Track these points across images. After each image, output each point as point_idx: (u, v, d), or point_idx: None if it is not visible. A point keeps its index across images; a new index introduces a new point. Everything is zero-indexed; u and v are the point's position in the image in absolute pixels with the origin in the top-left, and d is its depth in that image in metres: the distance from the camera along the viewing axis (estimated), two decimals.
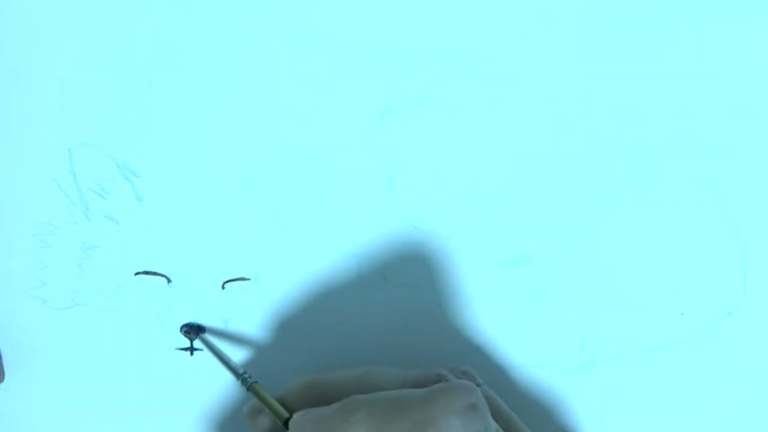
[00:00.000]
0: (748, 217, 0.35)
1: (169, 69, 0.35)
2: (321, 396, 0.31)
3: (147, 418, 0.36)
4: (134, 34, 0.35)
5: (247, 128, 0.35)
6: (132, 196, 0.35)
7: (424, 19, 0.34)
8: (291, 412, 0.31)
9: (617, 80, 0.34)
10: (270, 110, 0.35)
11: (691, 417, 0.35)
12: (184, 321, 0.36)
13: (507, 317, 0.35)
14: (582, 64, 0.34)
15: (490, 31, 0.34)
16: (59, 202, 0.35)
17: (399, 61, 0.35)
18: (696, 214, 0.35)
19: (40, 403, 0.36)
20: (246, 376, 0.33)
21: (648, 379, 0.35)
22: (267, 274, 0.36)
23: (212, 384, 0.36)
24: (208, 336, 0.35)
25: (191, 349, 0.36)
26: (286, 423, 0.30)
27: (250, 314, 0.36)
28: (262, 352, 0.36)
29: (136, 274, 0.36)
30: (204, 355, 0.36)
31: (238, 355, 0.36)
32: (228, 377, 0.36)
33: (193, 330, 0.36)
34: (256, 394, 0.32)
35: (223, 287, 0.36)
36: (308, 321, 0.36)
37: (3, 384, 0.36)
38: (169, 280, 0.36)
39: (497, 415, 0.31)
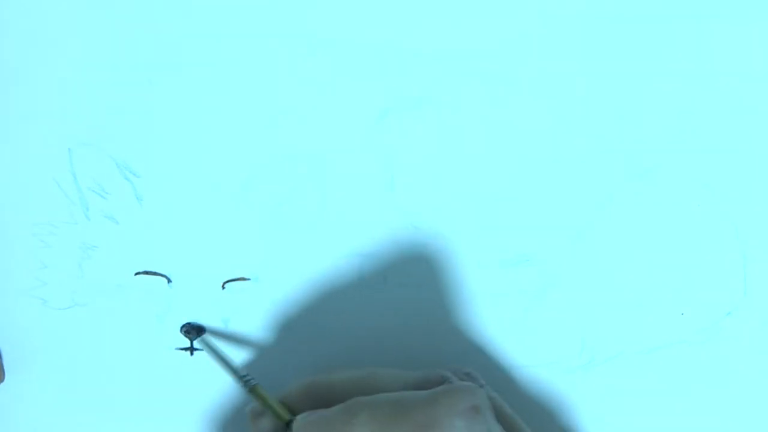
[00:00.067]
0: (748, 217, 0.35)
1: (169, 69, 0.35)
2: (322, 397, 0.31)
3: (147, 418, 0.36)
4: (134, 34, 0.35)
5: (247, 128, 0.35)
6: (132, 196, 0.35)
7: (424, 19, 0.34)
8: (292, 413, 0.31)
9: (617, 80, 0.34)
10: (270, 110, 0.35)
11: (691, 417, 0.35)
12: (184, 321, 0.36)
13: (507, 317, 0.35)
14: (582, 64, 0.34)
15: (490, 31, 0.34)
16: (59, 202, 0.35)
17: (399, 61, 0.35)
18: (696, 214, 0.35)
19: (40, 403, 0.36)
20: (247, 378, 0.33)
21: (648, 379, 0.35)
22: (267, 274, 0.35)
23: (212, 384, 0.36)
24: (209, 338, 0.35)
25: (191, 349, 0.36)
26: (287, 425, 0.30)
27: (250, 314, 0.36)
28: (262, 352, 0.36)
29: (136, 274, 0.36)
30: (204, 355, 0.36)
31: (238, 355, 0.36)
32: (228, 377, 0.35)
33: (193, 330, 0.36)
34: (258, 396, 0.32)
35: (223, 287, 0.36)
36: (308, 321, 0.36)
37: (3, 384, 0.36)
38: (169, 280, 0.36)
39: (500, 416, 0.31)
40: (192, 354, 0.36)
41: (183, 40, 0.35)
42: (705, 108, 0.34)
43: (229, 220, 0.35)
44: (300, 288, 0.35)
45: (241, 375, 0.33)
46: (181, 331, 0.36)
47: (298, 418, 0.30)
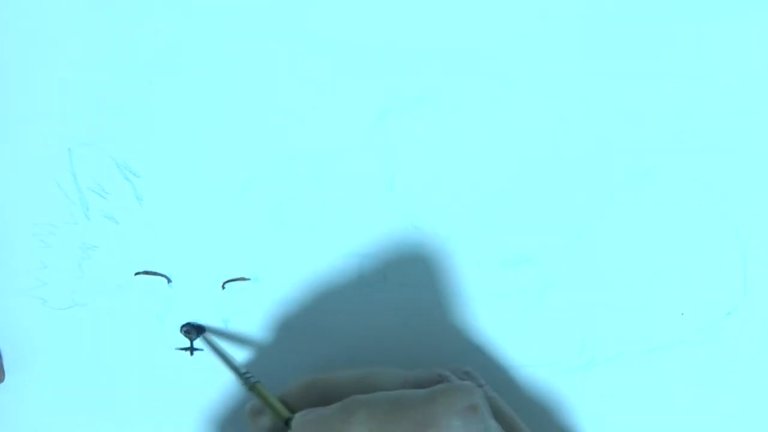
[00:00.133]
0: (748, 217, 0.35)
1: (169, 69, 0.35)
2: (322, 396, 0.31)
3: (147, 418, 0.36)
4: (134, 34, 0.35)
5: (247, 128, 0.35)
6: (132, 196, 0.35)
7: (424, 19, 0.34)
8: (292, 411, 0.31)
9: (617, 80, 0.34)
10: (270, 110, 0.35)
11: (691, 417, 0.35)
12: (184, 321, 0.36)
13: (507, 317, 0.35)
14: (582, 64, 0.34)
15: (490, 31, 0.34)
16: (59, 202, 0.35)
17: (399, 61, 0.35)
18: (696, 214, 0.35)
19: (40, 403, 0.36)
20: (248, 375, 0.33)
21: (648, 379, 0.35)
22: (267, 274, 0.36)
23: (212, 384, 0.36)
24: (210, 336, 0.35)
25: (191, 349, 0.36)
26: (287, 422, 0.30)
27: (250, 314, 0.36)
28: (262, 352, 0.36)
29: (136, 274, 0.36)
30: (204, 355, 0.36)
31: (238, 355, 0.36)
32: (227, 377, 0.35)
33: (193, 330, 0.36)
34: (258, 393, 0.32)
35: (223, 287, 0.36)
36: (308, 321, 0.36)
37: (3, 384, 0.36)
38: (169, 280, 0.36)
39: (499, 416, 0.31)
40: (192, 354, 0.36)
41: (183, 40, 0.35)
42: (705, 108, 0.34)
43: (229, 220, 0.35)
44: (300, 288, 0.35)
45: (242, 373, 0.33)
46: (181, 331, 0.36)
47: (297, 415, 0.30)
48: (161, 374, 0.36)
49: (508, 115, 0.35)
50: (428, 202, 0.35)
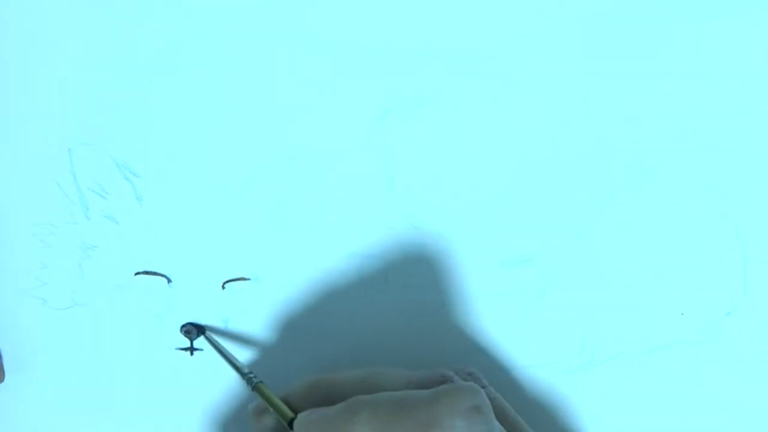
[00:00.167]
0: (748, 217, 0.35)
1: (169, 69, 0.35)
2: (325, 396, 0.31)
3: (147, 418, 0.36)
4: (134, 34, 0.35)
5: (247, 128, 0.35)
6: (132, 196, 0.35)
7: (424, 19, 0.34)
8: (295, 412, 0.31)
9: (617, 80, 0.34)
10: (270, 110, 0.35)
11: (692, 417, 0.35)
12: (184, 321, 0.36)
13: (507, 317, 0.35)
14: (582, 64, 0.34)
15: (490, 31, 0.34)
16: (59, 202, 0.35)
17: (399, 61, 0.35)
18: (696, 214, 0.35)
19: (40, 403, 0.36)
20: (251, 375, 0.33)
21: (648, 379, 0.35)
22: (267, 274, 0.36)
23: (212, 384, 0.36)
24: (212, 336, 0.35)
25: (191, 349, 0.36)
26: (290, 423, 0.30)
27: (250, 314, 0.36)
28: (262, 352, 0.36)
29: (136, 274, 0.36)
30: (204, 355, 0.36)
31: (238, 355, 0.36)
32: (227, 377, 0.36)
33: (193, 330, 0.36)
34: (261, 393, 0.32)
35: (223, 287, 0.36)
36: (308, 321, 0.36)
37: (3, 384, 0.36)
38: (169, 280, 0.36)
39: (502, 417, 0.31)
40: (192, 354, 0.36)
41: (183, 40, 0.35)
42: (705, 108, 0.34)
43: (229, 220, 0.35)
44: (300, 288, 0.35)
45: (245, 373, 0.33)
46: (181, 331, 0.36)
47: (300, 416, 0.30)
48: (161, 374, 0.36)
49: (508, 115, 0.35)
50: (428, 202, 0.35)
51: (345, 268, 0.35)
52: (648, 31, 0.34)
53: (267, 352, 0.36)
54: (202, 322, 0.36)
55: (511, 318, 0.35)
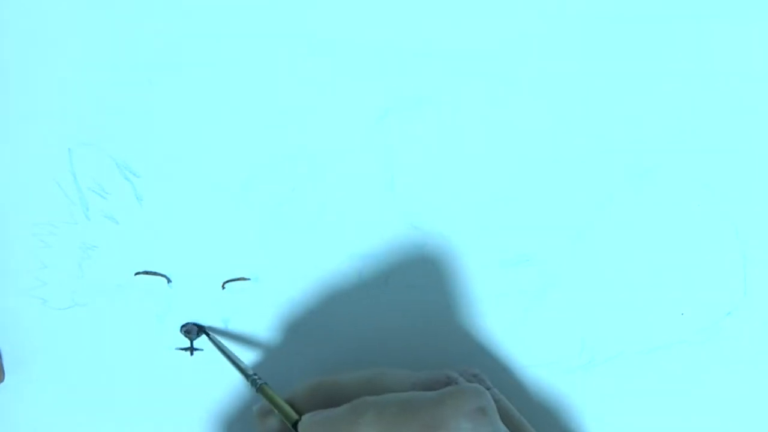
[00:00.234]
0: (748, 217, 0.35)
1: (169, 69, 0.35)
2: (329, 398, 0.31)
3: (147, 418, 0.36)
4: (134, 34, 0.35)
5: (247, 128, 0.35)
6: (132, 196, 0.35)
7: (424, 19, 0.34)
8: (299, 413, 0.31)
9: (617, 80, 0.34)
10: (270, 110, 0.35)
11: (692, 417, 0.35)
12: (184, 321, 0.36)
13: (507, 317, 0.35)
14: (582, 64, 0.34)
15: (490, 31, 0.34)
16: (59, 202, 0.35)
17: (399, 61, 0.35)
18: (696, 214, 0.35)
19: (40, 403, 0.36)
20: (255, 377, 0.33)
21: (648, 379, 0.35)
22: (267, 274, 0.35)
23: (212, 384, 0.36)
24: (216, 338, 0.35)
25: (191, 349, 0.36)
26: (294, 424, 0.30)
27: (250, 314, 0.36)
28: (262, 352, 0.36)
29: (136, 274, 0.36)
30: (204, 355, 0.36)
31: (238, 355, 0.36)
32: (228, 377, 0.35)
33: (193, 330, 0.36)
34: (266, 395, 0.32)
35: (223, 287, 0.36)
36: (308, 321, 0.36)
37: (3, 384, 0.36)
38: (169, 280, 0.36)
39: (507, 419, 0.31)
40: (192, 354, 0.36)
41: (183, 40, 0.35)
42: (705, 108, 0.34)
43: (229, 220, 0.35)
44: (300, 288, 0.35)
45: (249, 374, 0.33)
46: (181, 331, 0.36)
47: (304, 417, 0.30)
48: (161, 374, 0.36)
49: (508, 115, 0.35)
50: (428, 202, 0.35)
51: (345, 269, 0.35)
52: (648, 31, 0.34)
53: (267, 352, 0.36)
54: (202, 322, 0.36)
55: (511, 318, 0.35)
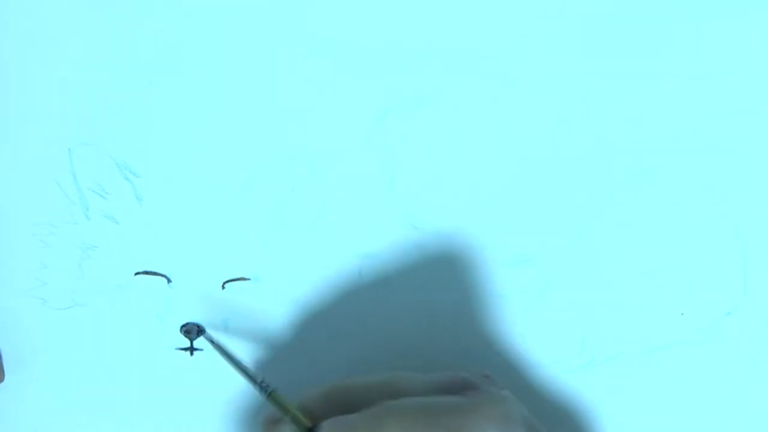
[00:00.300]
0: (748, 217, 0.35)
1: (169, 69, 0.35)
2: (344, 403, 0.30)
3: (147, 418, 0.36)
4: (134, 34, 0.35)
5: (247, 128, 0.35)
6: (132, 196, 0.35)
7: (424, 19, 0.34)
8: (313, 420, 0.29)
9: (617, 80, 0.34)
10: (270, 110, 0.35)
11: (692, 417, 0.35)
12: (184, 321, 0.36)
13: (507, 317, 0.35)
14: (582, 64, 0.34)
15: (490, 31, 0.34)
16: (59, 202, 0.35)
17: (399, 61, 0.35)
18: (696, 214, 0.35)
19: (40, 403, 0.36)
20: (264, 384, 0.31)
21: (648, 379, 0.35)
22: (267, 274, 0.35)
23: (212, 384, 0.36)
24: (225, 346, 0.34)
25: (191, 349, 0.36)
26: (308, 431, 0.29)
27: (250, 314, 0.36)
28: (262, 353, 0.36)
29: (136, 274, 0.36)
30: (204, 355, 0.36)
31: (239, 355, 0.36)
32: (228, 377, 0.35)
33: (193, 330, 0.36)
34: (276, 402, 0.31)
35: (223, 287, 0.36)
36: (308, 321, 0.36)
37: (3, 384, 0.36)
38: (169, 280, 0.36)
39: (527, 425, 0.30)
40: (192, 354, 0.36)
41: (183, 40, 0.35)
42: (705, 108, 0.34)
43: (229, 220, 0.35)
44: (300, 288, 0.35)
45: (257, 380, 0.32)
46: (181, 331, 0.36)
47: (324, 424, 0.28)
48: (161, 374, 0.36)
49: (508, 115, 0.35)
50: (428, 202, 0.35)
51: (345, 268, 0.35)
52: (648, 31, 0.34)
53: (266, 352, 0.36)
54: (201, 322, 0.36)
55: (511, 318, 0.35)
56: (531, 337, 0.35)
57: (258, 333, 0.36)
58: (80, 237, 0.36)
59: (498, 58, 0.34)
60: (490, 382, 0.32)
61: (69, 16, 0.35)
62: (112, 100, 0.35)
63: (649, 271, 0.35)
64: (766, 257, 0.35)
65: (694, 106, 0.34)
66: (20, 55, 0.35)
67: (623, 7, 0.34)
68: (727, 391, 0.35)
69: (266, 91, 0.35)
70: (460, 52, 0.34)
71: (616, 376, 0.35)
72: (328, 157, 0.35)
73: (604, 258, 0.35)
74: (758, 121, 0.34)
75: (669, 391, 0.35)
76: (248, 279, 0.36)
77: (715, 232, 0.35)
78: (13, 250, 0.36)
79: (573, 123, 0.35)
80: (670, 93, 0.34)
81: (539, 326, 0.35)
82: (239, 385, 0.36)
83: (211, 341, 0.35)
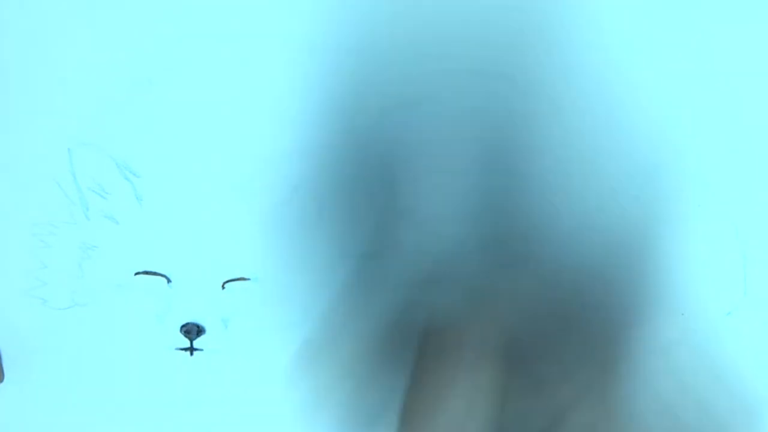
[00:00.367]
0: (748, 217, 0.35)
1: (169, 69, 0.35)
2: None
3: (147, 418, 0.36)
4: (134, 34, 0.35)
5: (247, 128, 0.35)
6: (132, 196, 0.35)
7: (425, 19, 0.34)
8: None
9: (617, 80, 0.34)
10: (270, 110, 0.35)
11: (691, 417, 0.35)
12: (184, 321, 0.36)
13: (507, 317, 0.35)
14: (581, 64, 0.34)
15: (490, 30, 0.34)
16: (59, 202, 0.35)
17: (399, 61, 0.35)
18: (696, 214, 0.35)
19: (40, 403, 0.36)
20: None
21: (648, 379, 0.35)
22: (267, 274, 0.36)
23: (212, 384, 0.36)
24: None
25: (191, 349, 0.36)
26: None
27: (250, 314, 0.36)
28: (261, 353, 0.36)
29: (136, 274, 0.36)
30: (204, 355, 0.36)
31: (239, 355, 0.36)
32: (228, 377, 0.36)
33: (193, 330, 0.36)
34: None
35: (223, 287, 0.36)
36: (308, 321, 0.36)
37: (3, 384, 0.36)
38: (169, 280, 0.36)
39: None
40: (192, 354, 0.36)
41: (183, 40, 0.35)
42: (705, 107, 0.34)
43: (229, 220, 0.35)
44: (300, 288, 0.35)
45: None
46: (181, 331, 0.36)
47: None
48: (161, 374, 0.36)
49: (507, 115, 0.35)
50: (428, 203, 0.35)
51: (345, 268, 0.35)
52: (649, 30, 0.34)
53: (266, 352, 0.36)
54: (201, 322, 0.36)
55: (511, 318, 0.35)
56: (531, 337, 0.35)
57: (258, 333, 0.36)
58: (80, 237, 0.36)
59: (498, 58, 0.34)
60: None
61: (69, 16, 0.35)
62: (112, 100, 0.35)
63: (650, 271, 0.35)
64: (766, 257, 0.35)
65: (694, 105, 0.34)
66: (20, 54, 0.35)
67: (623, 7, 0.34)
68: (727, 390, 0.35)
69: (266, 91, 0.35)
70: (460, 52, 0.34)
71: (615, 376, 0.35)
72: (328, 156, 0.35)
73: (603, 258, 0.35)
74: (758, 121, 0.34)
75: (669, 391, 0.35)
76: (248, 279, 0.36)
77: (715, 232, 0.35)
78: (13, 250, 0.36)
79: (573, 123, 0.35)
80: (671, 93, 0.34)
81: (541, 326, 0.35)
82: (239, 385, 0.36)
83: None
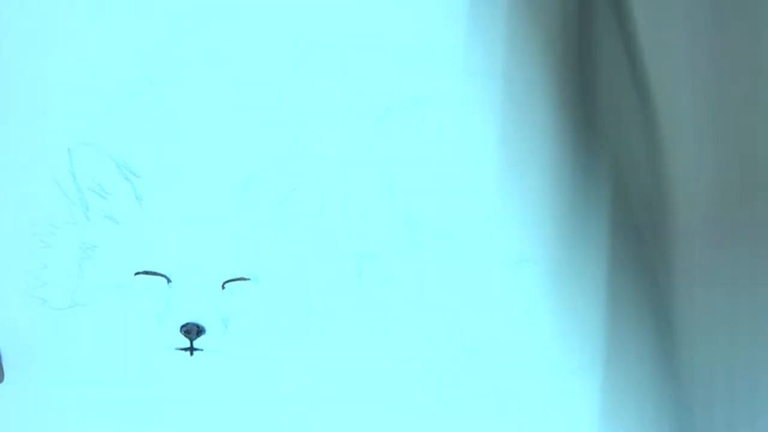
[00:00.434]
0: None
1: (169, 69, 0.35)
2: None
3: (147, 418, 0.36)
4: (134, 34, 0.35)
5: (246, 128, 0.35)
6: (132, 196, 0.35)
7: (425, 19, 0.34)
8: None
9: (617, 80, 0.34)
10: (270, 110, 0.35)
11: (691, 417, 0.35)
12: (184, 321, 0.36)
13: (507, 317, 0.35)
14: (581, 64, 0.34)
15: (490, 30, 0.34)
16: (59, 202, 0.35)
17: (399, 61, 0.35)
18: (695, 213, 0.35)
19: (40, 403, 0.36)
20: None
21: (648, 379, 0.35)
22: (267, 274, 0.35)
23: (212, 384, 0.36)
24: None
25: (191, 349, 0.36)
26: None
27: (250, 314, 0.36)
28: (261, 353, 0.36)
29: (136, 274, 0.36)
30: (204, 355, 0.36)
31: (239, 355, 0.36)
32: (227, 377, 0.36)
33: (193, 330, 0.36)
34: None
35: (223, 287, 0.36)
36: (308, 321, 0.36)
37: (3, 384, 0.36)
38: (169, 280, 0.36)
39: None
40: (192, 354, 0.36)
41: (183, 40, 0.35)
42: (705, 107, 0.34)
43: (229, 220, 0.35)
44: (300, 288, 0.35)
45: None
46: (181, 331, 0.36)
47: None
48: (161, 374, 0.36)
49: (507, 115, 0.35)
50: (428, 202, 0.35)
51: (345, 268, 0.35)
52: (646, 30, 0.34)
53: (266, 352, 0.36)
54: (201, 322, 0.36)
55: (511, 318, 0.35)
56: (531, 337, 0.35)
57: (258, 333, 0.36)
58: (80, 237, 0.36)
59: (498, 58, 0.34)
60: None
61: (69, 16, 0.35)
62: (112, 100, 0.35)
63: (649, 271, 0.35)
64: None
65: (694, 105, 0.34)
66: (20, 54, 0.35)
67: (622, 7, 0.34)
68: (727, 391, 0.35)
69: (266, 92, 0.35)
70: (460, 52, 0.34)
71: (615, 376, 0.35)
72: (328, 157, 0.35)
73: (603, 258, 0.35)
74: (758, 121, 0.34)
75: (669, 391, 0.35)
76: (248, 279, 0.36)
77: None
78: (13, 250, 0.36)
79: (573, 123, 0.35)
80: (670, 93, 0.34)
81: (540, 326, 0.35)
82: (239, 385, 0.36)
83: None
